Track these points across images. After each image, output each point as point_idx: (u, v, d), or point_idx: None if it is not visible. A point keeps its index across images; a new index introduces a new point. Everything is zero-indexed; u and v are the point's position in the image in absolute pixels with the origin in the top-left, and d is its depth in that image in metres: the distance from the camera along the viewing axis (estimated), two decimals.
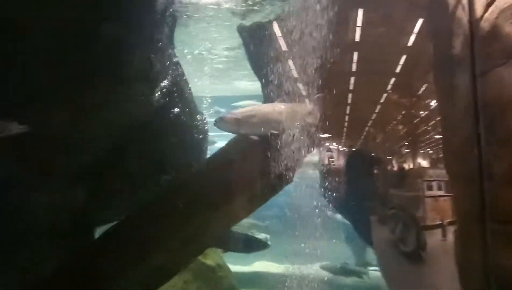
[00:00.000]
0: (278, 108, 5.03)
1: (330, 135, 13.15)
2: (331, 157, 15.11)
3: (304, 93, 7.66)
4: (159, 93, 5.75)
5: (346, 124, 13.67)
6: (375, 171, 14.03)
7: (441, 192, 10.09)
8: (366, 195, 13.26)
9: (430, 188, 10.55)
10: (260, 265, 14.40)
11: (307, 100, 5.99)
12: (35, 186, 4.85)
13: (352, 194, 13.59)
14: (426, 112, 12.76)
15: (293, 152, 5.51)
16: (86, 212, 5.39)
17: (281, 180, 5.67)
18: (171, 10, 5.93)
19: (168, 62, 6.11)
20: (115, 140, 5.49)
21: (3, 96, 4.38)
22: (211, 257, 9.81)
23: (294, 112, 5.08)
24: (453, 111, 5.06)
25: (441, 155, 9.88)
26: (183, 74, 6.72)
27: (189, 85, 7.01)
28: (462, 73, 4.72)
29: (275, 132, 4.99)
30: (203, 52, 8.17)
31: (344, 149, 15.26)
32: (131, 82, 5.17)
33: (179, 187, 5.54)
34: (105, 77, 4.88)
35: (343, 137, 14.86)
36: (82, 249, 5.04)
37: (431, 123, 12.87)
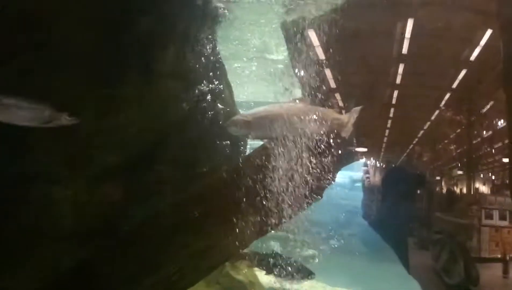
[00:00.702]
0: (293, 109, 4.55)
1: (366, 150, 12.48)
2: (368, 173, 14.44)
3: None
4: (194, 92, 5.53)
5: (386, 138, 12.93)
6: (419, 191, 13.20)
7: (505, 223, 9.21)
8: (407, 216, 12.49)
9: (489, 216, 9.69)
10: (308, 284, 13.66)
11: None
12: (60, 180, 4.77)
13: (391, 214, 12.86)
14: (490, 133, 11.82)
15: (323, 166, 5.13)
16: (113, 210, 5.24)
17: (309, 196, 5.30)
18: (210, 4, 5.71)
19: (207, 61, 5.88)
20: (147, 138, 5.33)
21: (32, 89, 4.34)
22: (243, 273, 9.48)
23: (312, 114, 4.58)
24: None
25: (506, 181, 9.01)
26: (224, 75, 6.50)
27: (230, 87, 6.78)
28: None
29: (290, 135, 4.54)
30: (246, 52, 7.88)
31: (383, 166, 14.51)
32: (163, 78, 4.99)
33: (194, 198, 5.24)
34: (136, 73, 4.74)
35: (383, 153, 14.11)
36: (101, 251, 4.88)
37: (496, 145, 11.90)
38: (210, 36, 5.94)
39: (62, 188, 4.75)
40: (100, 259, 4.79)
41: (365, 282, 13.05)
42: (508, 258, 7.85)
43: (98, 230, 4.86)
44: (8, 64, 4.16)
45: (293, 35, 6.00)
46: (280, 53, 8.29)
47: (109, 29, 4.35)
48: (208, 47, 5.82)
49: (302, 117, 4.39)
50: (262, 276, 11.35)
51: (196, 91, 5.43)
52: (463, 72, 9.88)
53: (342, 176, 19.77)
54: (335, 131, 4.81)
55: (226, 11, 6.33)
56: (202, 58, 5.61)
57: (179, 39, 5.12)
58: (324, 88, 6.37)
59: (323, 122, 4.55)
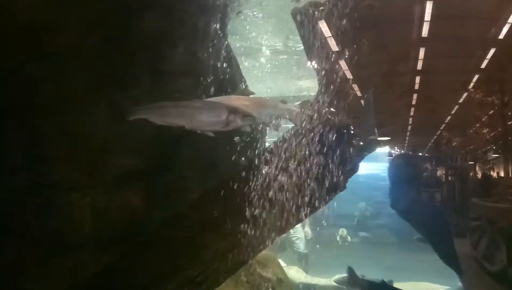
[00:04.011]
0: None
1: (390, 138, 12.08)
2: (393, 162, 14.05)
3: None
4: (207, 89, 5.43)
5: (411, 126, 12.47)
6: (450, 178, 12.72)
7: None
8: (439, 204, 12.05)
9: None
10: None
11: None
12: (79, 187, 4.77)
13: (421, 202, 12.44)
14: None
15: (344, 156, 4.95)
16: (133, 215, 5.22)
17: (331, 188, 5.11)
18: None
19: (218, 56, 5.77)
20: (162, 139, 5.27)
21: (44, 94, 4.36)
22: (272, 270, 9.34)
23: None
24: None
25: None
26: (237, 70, 6.38)
27: (245, 83, 6.66)
28: None
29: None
30: (259, 46, 7.73)
31: (409, 153, 14.07)
32: (174, 77, 4.91)
33: (213, 198, 5.13)
34: (145, 73, 4.68)
35: (407, 141, 13.66)
36: (122, 256, 4.85)
37: None
38: (220, 31, 5.83)
39: (81, 195, 4.74)
40: (121, 265, 4.75)
41: (398, 273, 12.71)
42: None
43: (119, 235, 4.83)
44: (19, 72, 4.19)
45: (304, 24, 5.82)
46: (295, 45, 8.10)
47: (114, 30, 4.31)
48: (219, 42, 5.71)
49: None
50: (291, 272, 11.23)
51: (209, 88, 5.32)
52: (492, 51, 9.43)
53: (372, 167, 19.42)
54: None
55: (236, 3, 6.21)
56: (213, 54, 5.50)
57: (188, 35, 5.02)
58: (340, 78, 6.19)
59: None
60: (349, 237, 16.71)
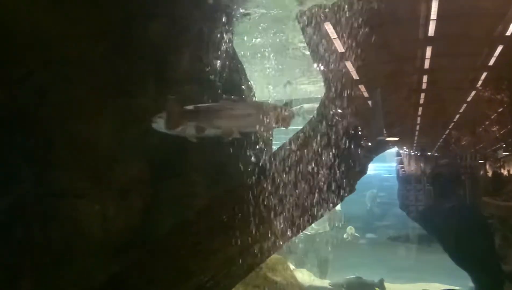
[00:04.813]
0: (231, 107, 4.41)
1: (399, 139, 11.97)
2: (402, 162, 13.96)
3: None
4: (212, 95, 5.42)
5: (419, 125, 12.33)
6: (462, 177, 12.57)
7: None
8: (450, 204, 11.90)
9: None
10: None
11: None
12: (87, 195, 4.77)
13: (431, 203, 12.31)
14: None
15: (351, 158, 4.91)
16: (141, 221, 5.20)
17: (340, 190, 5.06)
18: (223, 3, 5.57)
19: (224, 62, 5.76)
20: (169, 145, 5.26)
21: (51, 104, 4.38)
22: (281, 273, 9.29)
23: (249, 109, 4.42)
24: None
25: None
26: (243, 75, 6.36)
27: (251, 86, 6.64)
28: None
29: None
30: (264, 49, 7.68)
31: (417, 154, 13.95)
32: (180, 84, 4.92)
33: (221, 203, 5.11)
34: (151, 80, 4.69)
35: (416, 140, 13.52)
36: (132, 263, 4.83)
37: None
38: (225, 36, 5.82)
39: (89, 203, 4.75)
40: (131, 271, 4.75)
41: (407, 273, 12.62)
42: None
43: (128, 242, 4.83)
44: (25, 82, 4.22)
45: (309, 26, 5.79)
46: (301, 47, 8.06)
47: (119, 38, 4.32)
48: (224, 48, 5.71)
49: (239, 113, 4.24)
50: (301, 276, 11.18)
51: (215, 94, 5.31)
52: (500, 49, 9.33)
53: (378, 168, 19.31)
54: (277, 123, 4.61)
55: (241, 9, 6.19)
56: (219, 60, 5.49)
57: (193, 41, 5.03)
58: (347, 79, 6.14)
59: (261, 116, 4.36)
60: (358, 234, 16.62)
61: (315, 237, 14.08)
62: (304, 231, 13.03)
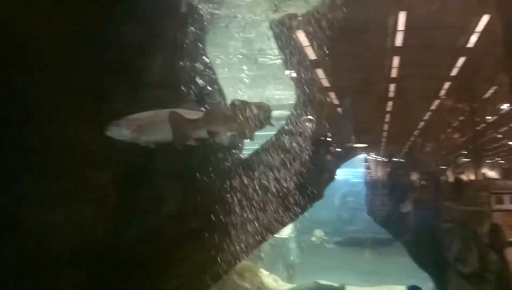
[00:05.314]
0: (187, 113, 4.44)
1: (366, 145, 12.36)
2: (369, 168, 14.37)
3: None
4: (184, 100, 5.40)
5: (386, 132, 12.77)
6: (424, 182, 13.03)
7: None
8: (414, 209, 12.31)
9: (500, 201, 9.49)
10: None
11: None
12: (60, 202, 4.63)
13: (396, 208, 12.70)
14: (495, 118, 11.60)
15: (320, 165, 5.01)
16: (113, 228, 5.08)
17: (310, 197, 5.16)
18: (196, 10, 5.58)
19: (196, 68, 5.75)
20: (140, 151, 5.18)
21: (22, 109, 4.24)
22: (249, 279, 9.34)
23: (203, 117, 4.46)
24: None
25: None
26: (215, 80, 6.36)
27: (223, 92, 6.65)
28: None
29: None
30: (237, 56, 7.73)
31: (384, 160, 14.41)
32: (152, 89, 4.87)
33: (191, 209, 5.09)
34: (124, 85, 4.62)
35: (383, 147, 13.96)
36: (102, 270, 4.73)
37: (501, 130, 11.65)
38: (198, 42, 5.82)
39: (57, 210, 4.61)
40: (102, 279, 4.65)
41: (373, 277, 12.92)
42: None
43: (99, 249, 4.72)
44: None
45: (282, 35, 5.87)
46: (273, 55, 8.16)
47: (92, 43, 4.24)
48: (196, 54, 5.70)
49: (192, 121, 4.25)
50: (268, 281, 11.25)
51: (186, 99, 5.29)
52: (462, 60, 9.73)
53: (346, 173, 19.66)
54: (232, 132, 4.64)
55: (214, 15, 6.20)
56: (191, 65, 5.48)
57: (166, 47, 4.99)
58: (317, 87, 6.26)
59: (215, 124, 4.40)
60: (326, 238, 16.88)
61: (283, 242, 14.22)
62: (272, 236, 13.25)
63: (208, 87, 5.86)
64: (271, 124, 4.55)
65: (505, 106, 10.94)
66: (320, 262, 13.92)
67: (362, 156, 14.25)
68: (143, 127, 4.07)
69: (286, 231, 13.96)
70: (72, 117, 4.45)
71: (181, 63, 5.16)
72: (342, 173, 18.70)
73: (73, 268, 4.64)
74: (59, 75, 4.27)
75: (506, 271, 6.94)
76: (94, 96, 4.51)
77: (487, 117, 12.02)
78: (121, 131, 4.02)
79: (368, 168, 14.63)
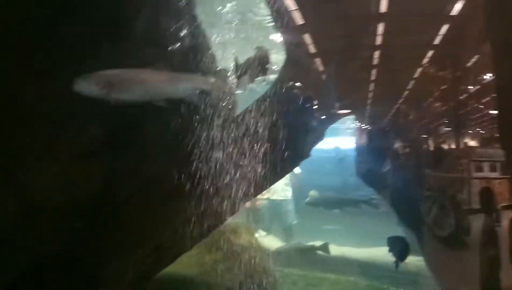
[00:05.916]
0: (160, 74, 4.47)
1: (351, 111, 12.61)
2: (356, 134, 14.75)
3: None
4: (172, 59, 5.34)
5: (370, 100, 13.01)
6: (407, 150, 13.38)
7: (495, 174, 9.28)
8: (397, 175, 12.66)
9: (479, 169, 9.79)
10: None
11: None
12: (38, 163, 4.59)
13: (380, 174, 13.07)
14: (477, 87, 11.85)
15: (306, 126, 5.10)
16: (102, 190, 5.09)
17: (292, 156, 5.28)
18: None
19: (185, 26, 5.63)
20: (126, 110, 5.16)
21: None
22: (243, 236, 9.60)
23: (176, 79, 4.51)
24: None
25: (495, 135, 9.07)
26: (204, 40, 6.24)
27: (212, 53, 6.52)
28: None
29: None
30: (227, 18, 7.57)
31: (369, 127, 14.78)
32: (138, 46, 4.81)
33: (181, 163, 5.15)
34: (108, 41, 4.55)
35: (368, 114, 14.23)
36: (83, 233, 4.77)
37: (483, 100, 11.92)
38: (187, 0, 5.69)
39: (41, 172, 4.58)
40: (85, 240, 4.71)
41: (362, 240, 13.29)
42: (499, 207, 7.98)
43: (82, 212, 4.75)
44: None
45: None
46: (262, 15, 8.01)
47: None
48: (185, 12, 5.59)
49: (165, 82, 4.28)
50: (263, 239, 11.60)
51: (174, 58, 5.25)
52: (445, 28, 9.82)
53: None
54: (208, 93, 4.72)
55: None
56: (179, 22, 5.39)
57: (151, 1, 4.91)
58: (303, 52, 6.27)
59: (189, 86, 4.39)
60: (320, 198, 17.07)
61: (282, 204, 14.57)
62: (269, 198, 13.69)
63: (197, 47, 5.81)
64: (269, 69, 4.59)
65: (487, 76, 11.16)
66: (319, 223, 14.32)
67: (349, 122, 14.57)
68: (114, 84, 4.04)
69: (286, 194, 14.32)
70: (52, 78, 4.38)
71: (168, 21, 5.09)
72: (335, 142, 19.19)
73: (53, 230, 4.65)
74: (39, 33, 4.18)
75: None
76: (75, 54, 4.42)
77: (469, 87, 12.27)
78: (90, 86, 3.96)
79: (355, 134, 14.99)
